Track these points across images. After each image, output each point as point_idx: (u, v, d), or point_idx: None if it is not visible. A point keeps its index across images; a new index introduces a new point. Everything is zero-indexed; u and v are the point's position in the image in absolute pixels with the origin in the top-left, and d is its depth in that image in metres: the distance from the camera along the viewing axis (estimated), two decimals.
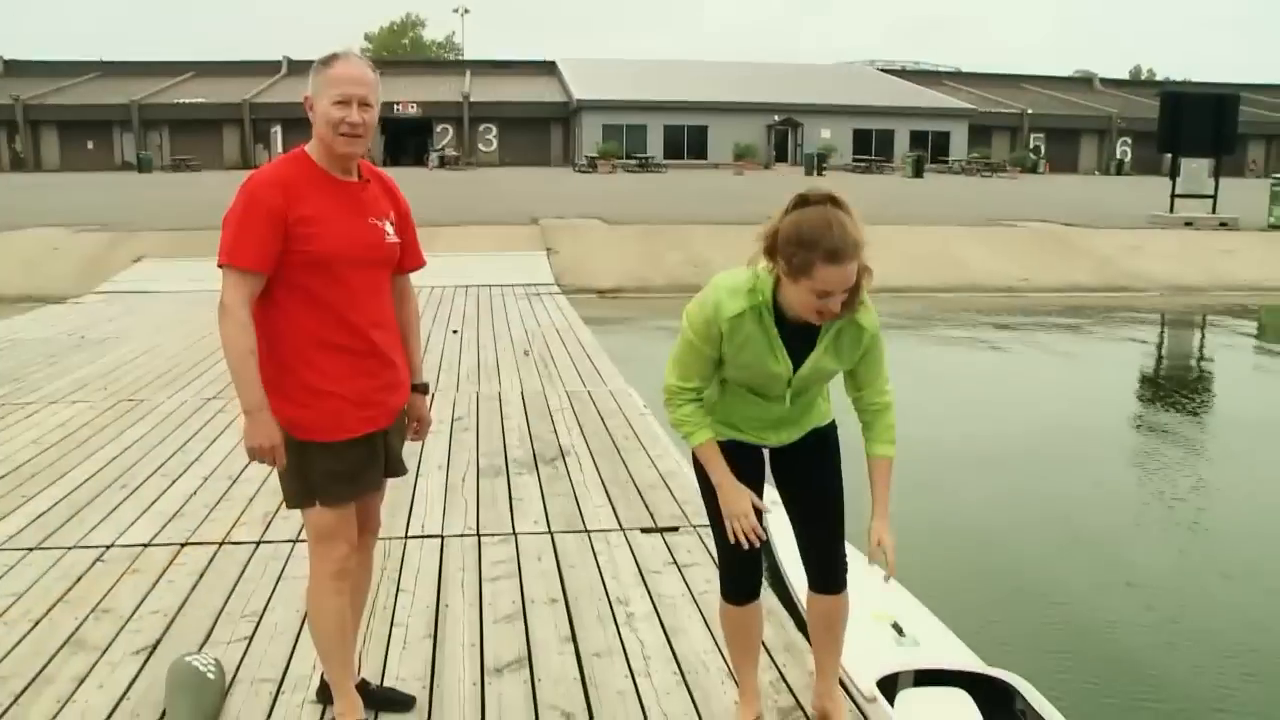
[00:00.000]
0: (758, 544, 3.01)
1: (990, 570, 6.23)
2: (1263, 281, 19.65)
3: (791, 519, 3.29)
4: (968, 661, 3.89)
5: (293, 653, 3.96)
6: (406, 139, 56.38)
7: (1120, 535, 6.83)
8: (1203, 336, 16.43)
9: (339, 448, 3.04)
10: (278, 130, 55.34)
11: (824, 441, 3.23)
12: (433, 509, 5.60)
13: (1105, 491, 7.79)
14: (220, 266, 2.90)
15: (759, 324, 2.91)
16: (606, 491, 6.03)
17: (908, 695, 3.69)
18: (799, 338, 2.95)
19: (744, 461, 3.12)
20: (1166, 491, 7.82)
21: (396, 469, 3.33)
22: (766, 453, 3.22)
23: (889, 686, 3.72)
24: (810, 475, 3.23)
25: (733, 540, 3.00)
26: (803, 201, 2.80)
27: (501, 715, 3.53)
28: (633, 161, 51.76)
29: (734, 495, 3.02)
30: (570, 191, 32.10)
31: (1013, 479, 8.13)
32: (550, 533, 5.32)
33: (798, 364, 2.98)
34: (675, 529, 5.42)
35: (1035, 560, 6.40)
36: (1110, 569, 6.22)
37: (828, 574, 3.26)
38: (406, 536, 5.19)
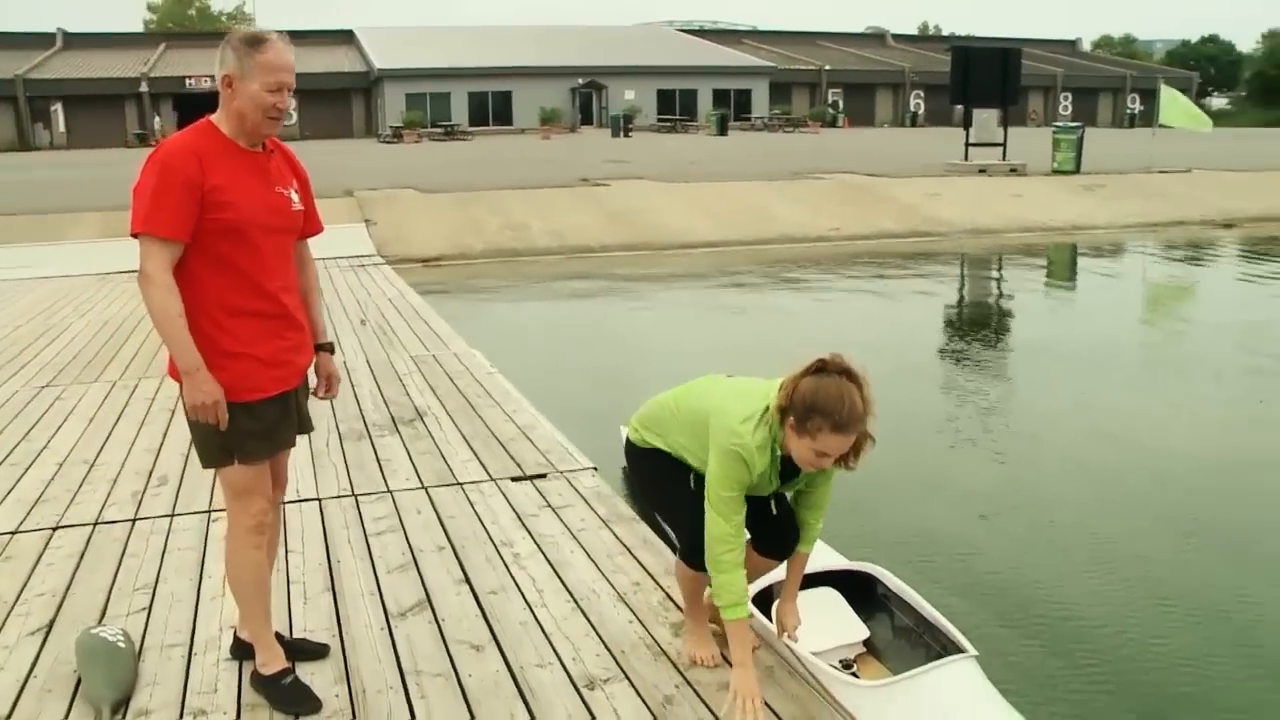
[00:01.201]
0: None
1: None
2: (1049, 221, 21.09)
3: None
4: (832, 561, 4.28)
5: (196, 618, 4.06)
6: (200, 114, 53.70)
7: (938, 449, 7.41)
8: (1000, 274, 17.51)
9: (254, 407, 3.19)
10: (58, 108, 52.48)
11: None
12: (304, 475, 5.70)
13: (919, 416, 8.40)
14: (136, 236, 2.99)
15: (770, 464, 3.30)
16: (470, 446, 6.24)
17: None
18: (789, 464, 3.36)
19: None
20: (971, 412, 8.47)
21: (306, 426, 3.50)
22: None
23: (765, 600, 4.07)
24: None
25: (737, 718, 3.22)
26: (821, 367, 3.18)
27: (414, 652, 3.75)
28: (438, 130, 51.24)
29: (750, 677, 3.29)
30: (378, 164, 31.63)
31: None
32: (424, 488, 5.51)
33: (784, 481, 3.45)
34: (543, 475, 5.69)
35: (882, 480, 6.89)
36: (930, 475, 6.76)
37: (791, 541, 3.65)
38: (284, 503, 5.27)
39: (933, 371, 10.18)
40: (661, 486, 3.64)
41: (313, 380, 3.57)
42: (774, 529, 3.63)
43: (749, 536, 3.58)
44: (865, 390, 3.14)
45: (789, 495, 3.63)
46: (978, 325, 13.04)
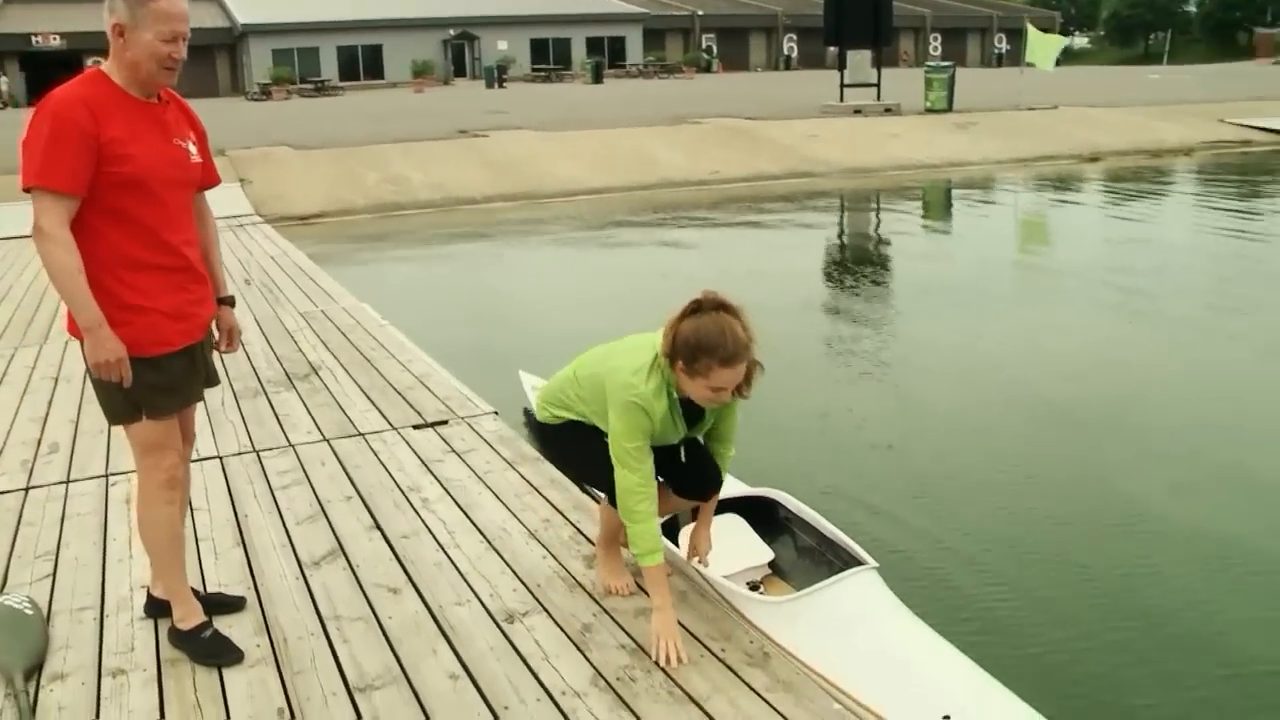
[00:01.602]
0: (684, 662, 3.29)
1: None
2: (925, 159, 21.54)
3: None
4: (735, 488, 4.41)
5: (104, 580, 4.01)
6: (49, 74, 51.61)
7: (826, 381, 7.63)
8: (879, 212, 17.87)
9: (160, 361, 3.17)
10: None
11: None
12: (201, 434, 5.60)
13: (804, 356, 8.62)
14: (29, 190, 2.92)
15: (670, 410, 3.37)
16: (368, 397, 6.23)
17: (689, 530, 4.17)
18: (691, 407, 3.44)
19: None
20: (853, 347, 8.71)
21: (213, 379, 3.48)
22: None
23: (671, 529, 4.19)
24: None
25: (662, 659, 3.27)
26: (697, 308, 3.23)
27: (331, 598, 3.78)
28: (308, 86, 49.92)
29: (671, 618, 3.36)
30: (249, 121, 30.76)
31: None
32: (326, 440, 5.50)
33: (691, 426, 3.51)
34: (444, 422, 5.72)
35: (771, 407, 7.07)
36: (821, 405, 6.96)
37: (713, 482, 3.74)
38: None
39: (817, 309, 10.40)
40: (579, 451, 3.69)
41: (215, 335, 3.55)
42: (693, 472, 3.73)
43: (670, 482, 3.71)
44: (744, 319, 3.23)
45: (701, 437, 3.73)
46: (860, 262, 13.31)
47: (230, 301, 3.55)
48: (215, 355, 3.57)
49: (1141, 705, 3.68)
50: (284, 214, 16.81)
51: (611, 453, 3.35)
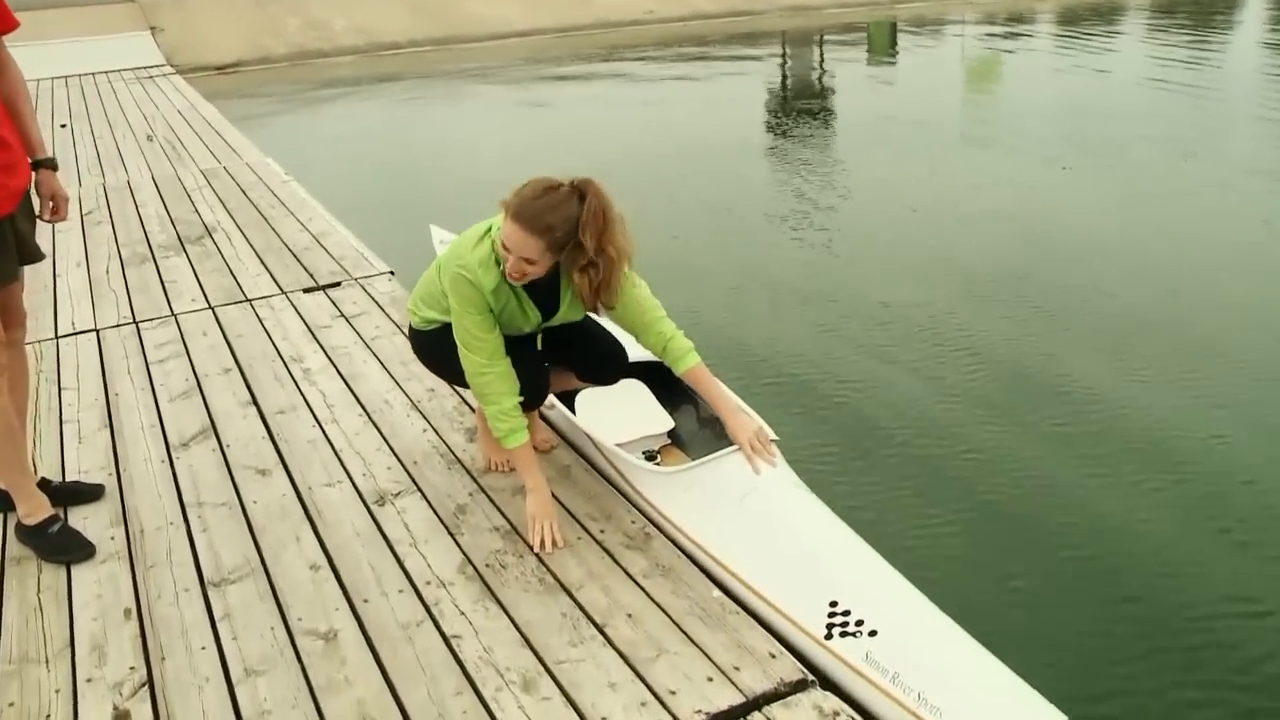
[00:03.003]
0: (560, 546, 3.07)
1: (666, 258, 6.49)
2: None
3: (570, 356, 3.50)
4: (637, 353, 4.15)
5: None
6: None
7: (765, 223, 7.37)
8: (822, 52, 17.35)
9: None
10: None
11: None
12: (80, 305, 5.33)
13: (752, 192, 8.34)
14: None
15: (501, 281, 2.95)
16: (261, 260, 5.92)
17: (585, 395, 3.95)
18: (547, 292, 3.08)
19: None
20: (804, 189, 8.43)
21: (33, 254, 3.15)
22: None
23: (568, 396, 3.96)
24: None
25: (536, 543, 3.05)
26: (557, 186, 2.84)
27: (196, 483, 3.54)
28: None
29: (545, 499, 3.11)
30: None
31: (670, 188, 8.56)
32: (211, 308, 5.21)
33: (547, 316, 3.14)
34: (337, 284, 5.43)
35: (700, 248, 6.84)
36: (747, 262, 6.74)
37: (614, 363, 3.52)
38: (58, 337, 4.94)
39: (752, 153, 10.07)
40: (448, 353, 3.44)
41: (37, 204, 3.20)
42: (589, 354, 3.51)
43: (568, 366, 3.49)
44: (593, 209, 2.82)
45: (597, 322, 3.46)
46: (798, 107, 12.91)
47: (50, 164, 3.16)
48: (52, 218, 3.22)
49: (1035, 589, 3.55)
50: (198, 64, 16.08)
51: (456, 336, 3.05)
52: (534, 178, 2.87)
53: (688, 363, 3.21)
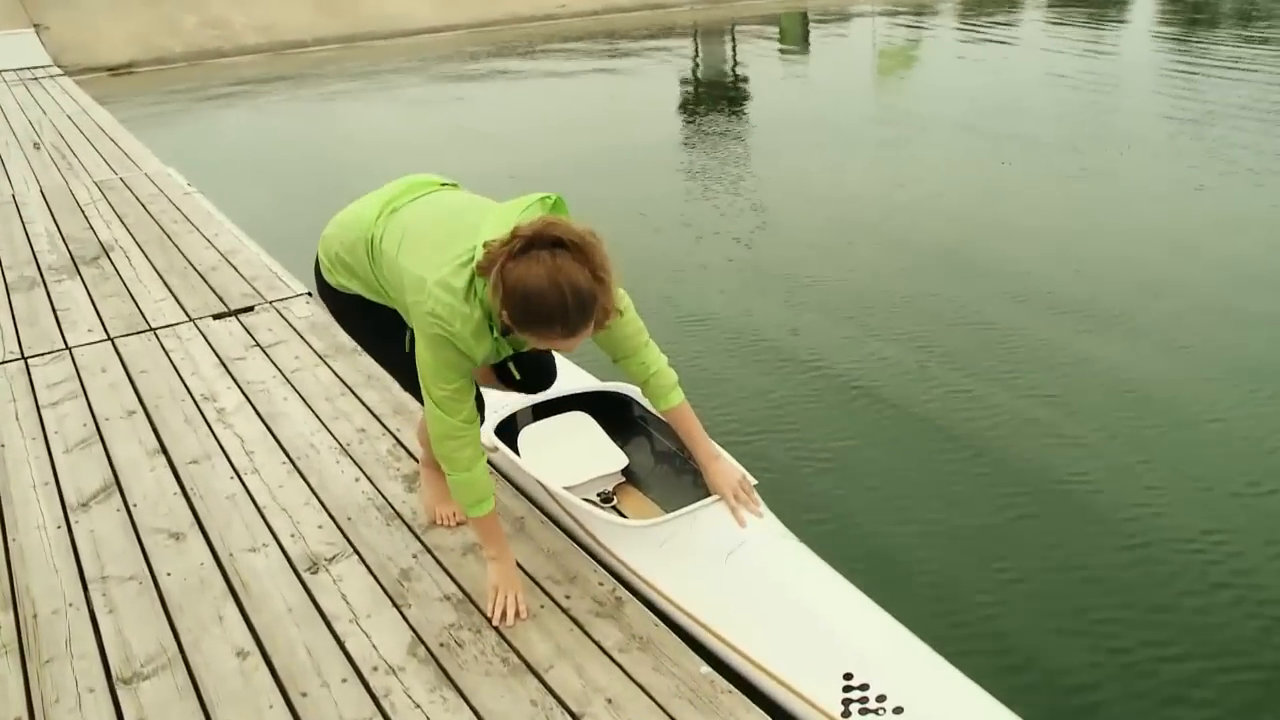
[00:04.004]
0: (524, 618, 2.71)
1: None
2: None
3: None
4: (583, 382, 3.82)
5: None
6: None
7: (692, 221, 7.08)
8: (734, 44, 17.10)
9: None
10: None
11: None
12: None
13: (673, 191, 8.06)
14: None
15: (495, 342, 2.52)
16: (165, 282, 5.45)
17: (529, 432, 3.60)
18: None
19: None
20: (727, 179, 8.16)
21: None
22: None
23: (509, 430, 3.61)
24: None
25: (497, 618, 2.68)
26: (528, 245, 2.28)
27: (99, 552, 3.11)
28: None
29: (510, 569, 2.74)
30: None
31: (601, 187, 8.24)
32: (110, 339, 4.73)
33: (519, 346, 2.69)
34: (250, 309, 5.00)
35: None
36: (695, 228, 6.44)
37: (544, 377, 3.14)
38: None
39: (667, 147, 9.77)
40: (378, 349, 3.04)
41: None
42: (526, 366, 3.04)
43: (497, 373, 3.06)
44: (592, 255, 2.30)
45: None
46: (714, 99, 12.65)
47: None
48: None
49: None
50: (88, 64, 15.34)
51: (423, 388, 2.57)
52: (527, 274, 2.26)
53: (671, 401, 2.85)
